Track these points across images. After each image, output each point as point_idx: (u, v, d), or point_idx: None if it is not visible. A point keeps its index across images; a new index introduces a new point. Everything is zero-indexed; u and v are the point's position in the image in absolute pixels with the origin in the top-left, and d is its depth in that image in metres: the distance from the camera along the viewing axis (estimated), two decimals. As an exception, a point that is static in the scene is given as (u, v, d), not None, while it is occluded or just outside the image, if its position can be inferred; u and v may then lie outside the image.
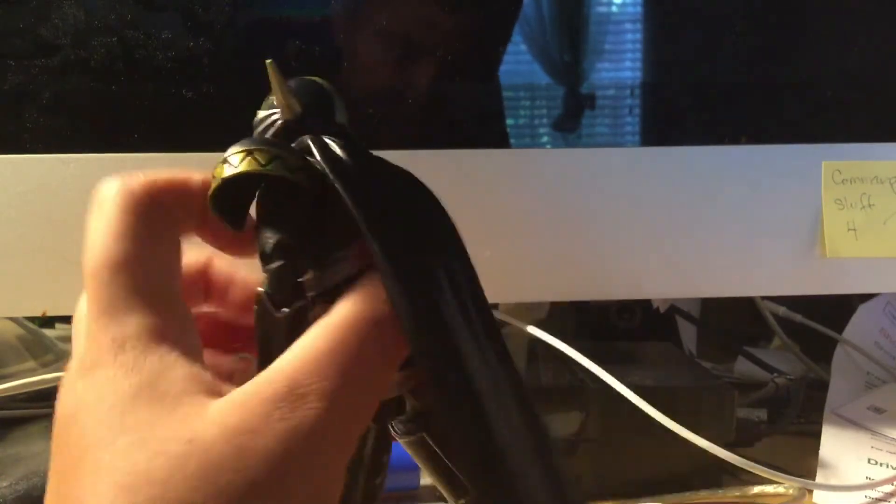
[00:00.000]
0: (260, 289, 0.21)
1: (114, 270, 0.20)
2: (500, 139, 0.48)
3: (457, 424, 0.20)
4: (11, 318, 0.61)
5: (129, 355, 0.20)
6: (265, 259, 0.21)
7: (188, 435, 0.18)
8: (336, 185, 0.20)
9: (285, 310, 0.21)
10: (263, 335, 0.21)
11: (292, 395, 0.19)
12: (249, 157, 0.21)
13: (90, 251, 0.21)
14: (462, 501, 0.22)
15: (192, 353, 0.21)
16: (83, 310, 0.21)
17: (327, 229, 0.21)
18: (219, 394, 0.20)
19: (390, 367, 0.21)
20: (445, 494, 0.23)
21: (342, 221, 0.20)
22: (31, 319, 0.64)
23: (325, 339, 0.20)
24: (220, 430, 0.18)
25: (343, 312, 0.20)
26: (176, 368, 0.20)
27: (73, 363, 0.21)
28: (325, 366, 0.19)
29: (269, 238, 0.21)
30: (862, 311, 0.58)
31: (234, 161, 0.21)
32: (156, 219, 0.21)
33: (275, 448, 0.18)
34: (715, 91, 0.48)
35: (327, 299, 0.21)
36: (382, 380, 0.21)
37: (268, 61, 0.21)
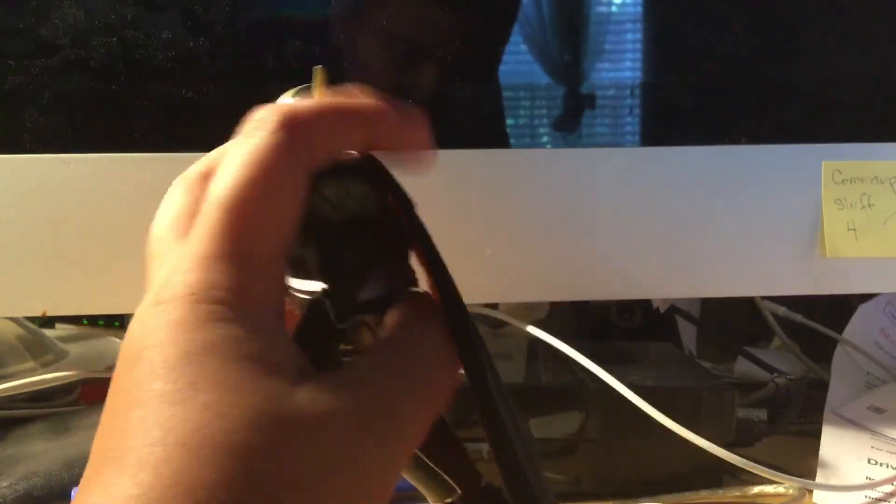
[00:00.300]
0: (316, 295, 0.21)
1: (231, 212, 0.18)
2: (500, 139, 0.48)
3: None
4: (11, 318, 0.61)
5: (216, 307, 0.17)
6: (309, 273, 0.21)
7: (276, 411, 0.16)
8: (415, 219, 0.22)
9: (342, 325, 0.21)
10: (312, 338, 0.21)
11: (366, 390, 0.18)
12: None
13: (219, 179, 0.19)
14: (448, 501, 0.23)
15: (270, 305, 0.19)
16: (170, 226, 0.19)
17: (361, 247, 0.22)
18: (299, 375, 0.18)
19: (452, 377, 0.21)
20: (428, 495, 0.23)
21: (372, 243, 0.22)
22: (31, 319, 0.64)
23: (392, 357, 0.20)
24: (308, 412, 0.17)
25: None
26: (258, 330, 0.18)
27: (151, 291, 0.18)
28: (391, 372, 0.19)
29: (314, 255, 0.22)
30: (862, 311, 0.58)
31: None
32: (298, 160, 0.19)
33: (347, 436, 0.17)
34: (715, 91, 0.48)
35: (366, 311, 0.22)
36: (443, 396, 0.21)
37: (316, 67, 0.21)
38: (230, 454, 0.15)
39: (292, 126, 0.19)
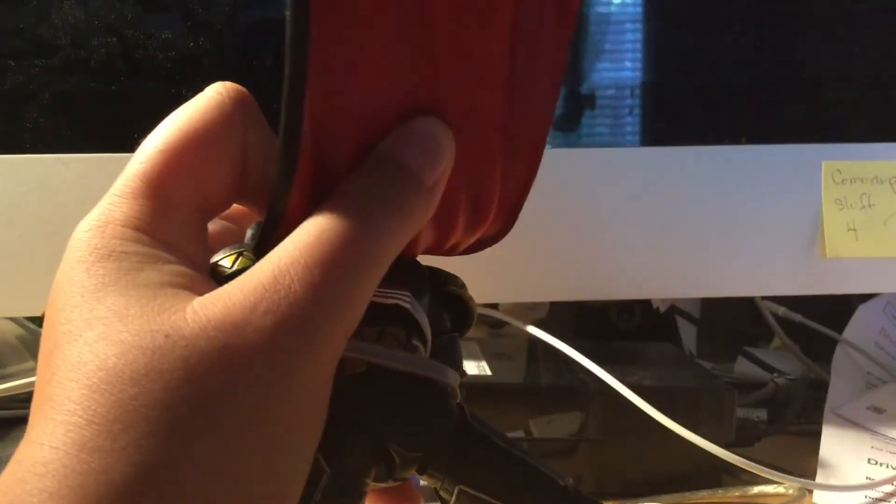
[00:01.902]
0: None
1: (144, 155, 0.19)
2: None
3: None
4: (11, 318, 0.61)
5: (108, 240, 0.18)
6: None
7: (165, 329, 0.17)
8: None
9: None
10: None
11: (277, 284, 0.17)
12: (241, 258, 0.21)
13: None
14: None
15: (182, 248, 0.19)
16: None
17: None
18: (206, 290, 0.18)
19: (379, 263, 0.19)
20: None
21: None
22: (31, 319, 0.64)
23: (314, 232, 0.18)
24: (201, 325, 0.17)
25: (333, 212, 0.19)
26: (158, 260, 0.18)
27: None
28: (311, 255, 0.18)
29: None
30: (862, 311, 0.58)
31: (226, 263, 0.21)
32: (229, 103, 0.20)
33: (259, 344, 0.17)
34: (715, 91, 0.48)
35: None
36: (369, 274, 0.19)
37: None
38: (120, 379, 0.16)
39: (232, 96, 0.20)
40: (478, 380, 0.48)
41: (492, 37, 0.19)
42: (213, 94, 0.20)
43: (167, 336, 0.16)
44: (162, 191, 0.19)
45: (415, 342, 0.21)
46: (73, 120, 0.43)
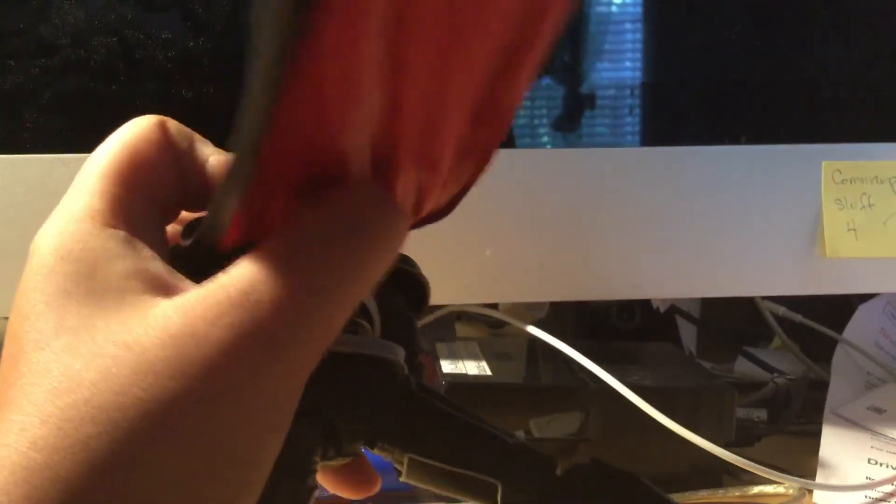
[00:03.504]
0: None
1: (92, 160, 0.20)
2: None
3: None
4: (11, 318, 0.61)
5: (67, 239, 0.19)
6: None
7: (126, 339, 0.17)
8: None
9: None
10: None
11: (245, 299, 0.17)
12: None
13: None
14: (499, 496, 0.23)
15: (141, 245, 0.19)
16: None
17: None
18: (171, 292, 0.18)
19: (360, 282, 0.18)
20: (475, 501, 0.23)
21: None
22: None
23: (284, 252, 0.18)
24: (160, 334, 0.17)
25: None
26: (118, 260, 0.18)
27: None
28: (282, 269, 0.17)
29: None
30: (862, 311, 0.58)
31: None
32: (153, 130, 0.21)
33: (216, 357, 0.17)
34: (715, 91, 0.48)
35: None
36: (345, 293, 0.18)
37: None
38: (80, 385, 0.17)
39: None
40: (478, 380, 0.48)
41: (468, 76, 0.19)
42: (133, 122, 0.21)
43: (127, 346, 0.17)
44: (120, 179, 0.20)
45: (358, 320, 0.22)
46: (73, 120, 0.43)
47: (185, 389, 0.16)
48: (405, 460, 0.23)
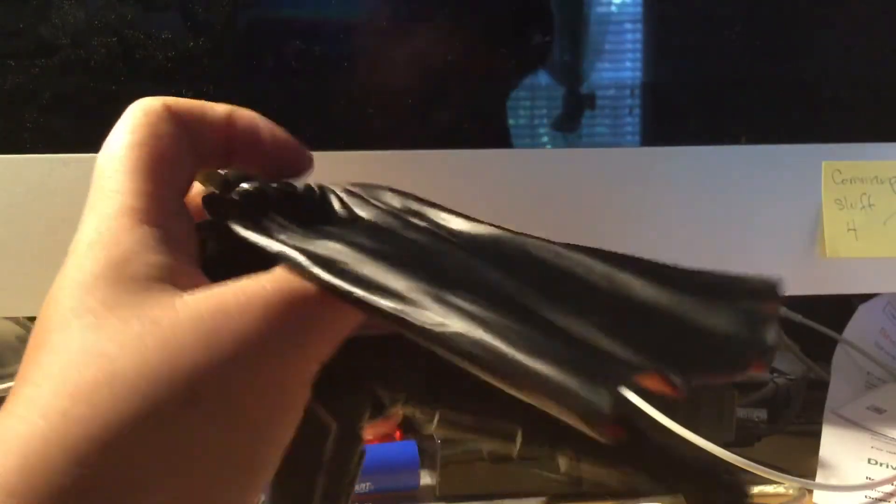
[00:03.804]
0: None
1: (113, 158, 0.20)
2: (500, 139, 0.48)
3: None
4: (11, 318, 0.61)
5: (103, 234, 0.19)
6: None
7: (155, 315, 0.17)
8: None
9: None
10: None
11: (277, 290, 0.18)
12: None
13: (104, 146, 0.21)
14: (519, 439, 0.25)
15: (175, 243, 0.20)
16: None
17: None
18: (195, 288, 0.19)
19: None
20: (500, 447, 0.25)
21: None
22: (31, 319, 0.64)
23: None
24: (191, 314, 0.17)
25: None
26: (150, 253, 0.19)
27: None
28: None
29: None
30: (862, 311, 0.58)
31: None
32: (164, 120, 0.21)
33: (249, 335, 0.17)
34: (715, 90, 0.48)
35: None
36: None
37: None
38: (99, 356, 0.17)
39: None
40: (478, 380, 0.48)
41: None
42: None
43: (155, 322, 0.17)
44: (149, 176, 0.20)
45: None
46: (73, 120, 0.43)
47: (214, 364, 0.17)
48: (436, 416, 0.25)
